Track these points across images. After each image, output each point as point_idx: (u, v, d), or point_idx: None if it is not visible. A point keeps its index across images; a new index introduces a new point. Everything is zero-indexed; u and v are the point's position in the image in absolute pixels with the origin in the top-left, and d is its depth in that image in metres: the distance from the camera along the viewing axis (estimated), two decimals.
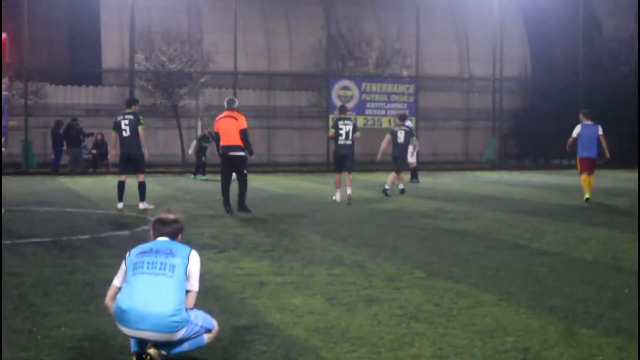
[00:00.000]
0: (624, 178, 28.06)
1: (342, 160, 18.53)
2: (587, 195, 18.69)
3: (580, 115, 19.72)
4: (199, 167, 27.91)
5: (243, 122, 15.77)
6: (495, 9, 36.63)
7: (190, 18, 36.19)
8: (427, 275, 9.28)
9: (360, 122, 32.61)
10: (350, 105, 34.05)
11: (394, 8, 37.58)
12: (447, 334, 6.76)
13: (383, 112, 34.96)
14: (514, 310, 7.62)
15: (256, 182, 25.83)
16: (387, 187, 20.45)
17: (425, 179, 26.64)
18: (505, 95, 37.73)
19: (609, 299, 8.09)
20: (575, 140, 19.35)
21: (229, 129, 15.79)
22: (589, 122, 19.35)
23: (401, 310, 7.60)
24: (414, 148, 23.39)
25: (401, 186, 21.18)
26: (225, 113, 16.04)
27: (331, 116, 34.12)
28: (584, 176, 19.08)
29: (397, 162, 21.02)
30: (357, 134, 18.65)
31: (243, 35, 35.30)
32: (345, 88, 34.70)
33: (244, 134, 15.71)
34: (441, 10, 38.42)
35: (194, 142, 28.82)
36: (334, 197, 18.64)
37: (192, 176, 28.02)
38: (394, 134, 21.16)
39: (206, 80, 34.38)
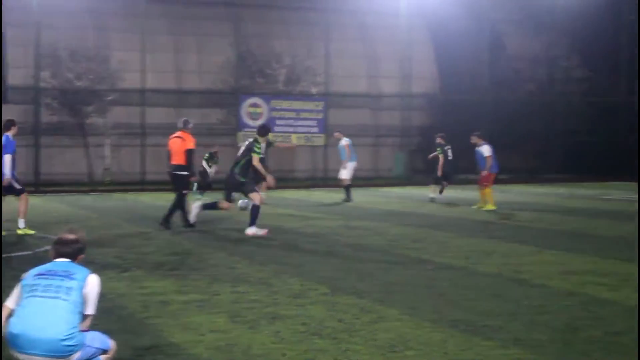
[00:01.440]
0: (527, 192, 28.67)
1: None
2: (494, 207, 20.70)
3: (476, 138, 21.90)
4: (206, 186, 28.00)
5: (189, 143, 16.28)
6: (403, 27, 37.13)
7: (98, 36, 35.66)
8: (331, 291, 9.30)
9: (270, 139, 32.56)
10: (259, 122, 34.02)
11: (304, 25, 37.74)
12: (349, 350, 6.78)
13: (292, 129, 35.05)
14: (416, 324, 7.69)
15: (163, 200, 25.58)
16: (432, 195, 23.97)
17: (335, 195, 26.73)
18: (414, 112, 38.22)
19: (508, 311, 8.24)
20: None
21: (177, 148, 16.36)
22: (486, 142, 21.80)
23: (304, 326, 7.59)
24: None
25: (432, 195, 24.22)
26: (176, 133, 16.59)
27: (240, 134, 34.09)
28: (490, 190, 21.03)
29: (447, 177, 24.29)
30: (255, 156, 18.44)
31: (151, 53, 34.96)
32: (254, 105, 34.68)
33: (188, 154, 16.23)
34: (350, 28, 38.74)
35: (204, 161, 28.78)
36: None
37: (200, 194, 28.07)
38: (445, 152, 24.17)
39: (114, 98, 33.91)
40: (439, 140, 24.57)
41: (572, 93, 39.82)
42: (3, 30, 32.32)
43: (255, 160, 15.50)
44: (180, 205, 16.59)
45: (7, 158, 15.04)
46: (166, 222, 16.29)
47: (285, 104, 35.19)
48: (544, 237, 14.94)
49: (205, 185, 27.51)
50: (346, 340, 7.06)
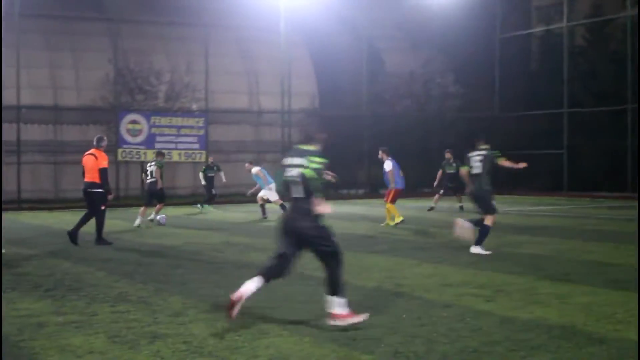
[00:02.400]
0: (407, 206, 29.10)
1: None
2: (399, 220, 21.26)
3: (381, 152, 21.86)
4: (210, 198, 28.91)
5: (102, 161, 16.61)
6: (283, 44, 37.34)
7: None
8: (212, 309, 9.26)
9: (150, 156, 32.18)
10: (139, 139, 33.70)
11: (183, 41, 37.48)
12: None
13: (173, 145, 34.73)
14: (297, 339, 7.72)
15: (40, 219, 25.02)
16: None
17: (216, 212, 26.63)
18: (294, 128, 38.42)
19: (388, 324, 8.37)
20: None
21: (90, 166, 16.67)
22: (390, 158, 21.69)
23: (185, 345, 7.53)
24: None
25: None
26: (90, 150, 16.93)
27: (120, 150, 33.58)
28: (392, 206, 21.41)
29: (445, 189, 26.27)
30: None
31: (27, 69, 34.10)
32: (134, 122, 34.22)
33: (101, 172, 16.53)
34: (230, 44, 38.72)
35: (200, 174, 29.65)
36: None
37: (199, 206, 28.69)
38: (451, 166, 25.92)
39: None
40: (447, 155, 25.24)
41: (447, 109, 40.81)
42: None
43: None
44: (100, 221, 16.74)
45: None
46: (100, 240, 16.68)
47: (165, 121, 34.84)
48: (424, 250, 15.25)
49: (211, 196, 28.00)
50: (227, 358, 7.05)
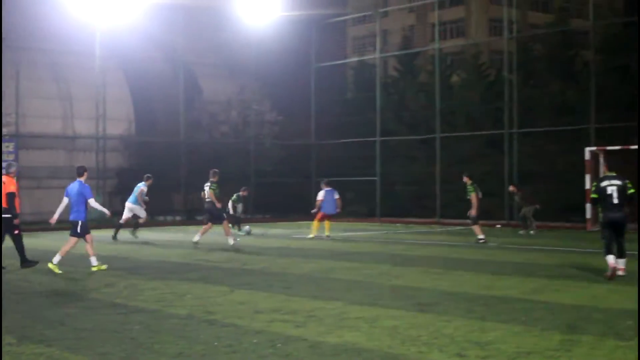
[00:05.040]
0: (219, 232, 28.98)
1: None
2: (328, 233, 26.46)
3: (323, 184, 27.17)
4: (237, 222, 29.70)
5: (10, 186, 16.69)
6: (98, 68, 36.62)
7: None
8: (18, 341, 8.95)
9: None
10: None
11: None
12: None
13: None
14: None
15: None
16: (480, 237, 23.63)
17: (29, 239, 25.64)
18: (110, 154, 37.72)
19: (199, 352, 8.36)
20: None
21: (2, 192, 16.70)
22: (329, 188, 26.65)
23: None
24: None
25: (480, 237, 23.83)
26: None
27: None
28: (317, 223, 26.65)
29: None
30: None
31: None
32: None
33: (8, 197, 16.61)
34: (42, 68, 37.62)
35: (230, 203, 29.82)
36: None
37: (240, 231, 29.28)
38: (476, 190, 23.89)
39: None
40: (465, 179, 24.49)
41: (264, 136, 41.22)
42: None
43: None
44: (19, 244, 17.03)
45: None
46: (26, 261, 17.00)
47: None
48: (236, 276, 15.29)
49: (236, 220, 28.98)
50: None
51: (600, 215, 15.52)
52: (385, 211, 38.96)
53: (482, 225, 24.56)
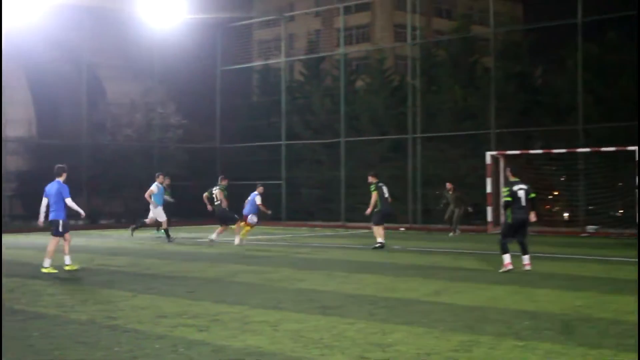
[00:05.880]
0: (127, 237, 28.65)
1: None
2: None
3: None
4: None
5: None
6: None
7: None
8: None
9: None
10: None
11: None
12: None
13: None
14: None
15: None
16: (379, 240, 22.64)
17: None
18: (10, 157, 36.85)
19: (99, 358, 8.26)
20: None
21: None
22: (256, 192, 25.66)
23: None
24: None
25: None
26: None
27: None
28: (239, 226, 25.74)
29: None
30: None
31: None
32: None
33: None
34: None
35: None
36: None
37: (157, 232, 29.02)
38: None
39: None
40: (370, 178, 23.66)
41: (168, 139, 40.86)
42: None
43: None
44: None
45: None
46: None
47: None
48: (139, 281, 15.13)
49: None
50: None
51: (510, 216, 16.38)
52: (291, 215, 39.08)
53: (387, 229, 24.68)
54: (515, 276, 15.39)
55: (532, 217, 16.50)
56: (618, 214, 31.04)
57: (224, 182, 26.29)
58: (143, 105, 40.87)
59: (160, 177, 27.56)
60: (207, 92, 42.42)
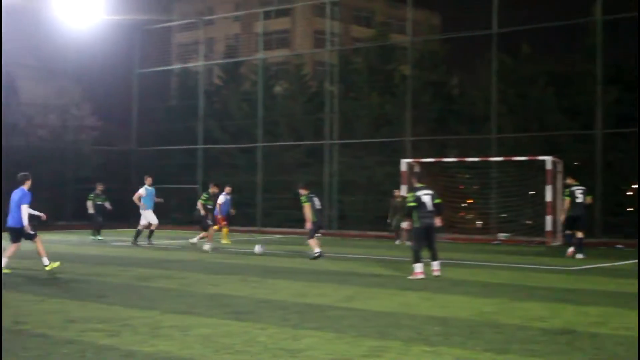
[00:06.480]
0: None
1: None
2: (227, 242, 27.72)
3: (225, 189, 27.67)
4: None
5: None
6: None
7: None
8: None
9: None
10: None
11: None
12: None
13: None
14: None
15: None
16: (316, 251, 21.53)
17: None
18: None
19: None
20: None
21: None
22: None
23: None
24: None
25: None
26: None
27: None
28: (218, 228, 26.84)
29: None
30: None
31: None
32: None
33: None
34: None
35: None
36: None
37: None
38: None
39: None
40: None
41: (83, 141, 40.28)
42: None
43: None
44: None
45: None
46: None
47: None
48: (48, 285, 14.88)
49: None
50: None
51: (417, 221, 16.45)
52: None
53: (302, 235, 24.69)
54: (427, 282, 15.60)
55: (438, 222, 16.72)
56: (529, 222, 31.68)
57: (214, 190, 26.75)
58: (57, 106, 40.22)
59: (149, 179, 27.34)
60: (124, 94, 41.96)
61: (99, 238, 28.99)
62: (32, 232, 17.43)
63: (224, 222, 28.50)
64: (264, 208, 37.56)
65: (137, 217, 27.68)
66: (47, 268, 17.23)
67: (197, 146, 40.14)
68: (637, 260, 21.86)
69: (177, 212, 39.30)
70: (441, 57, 36.99)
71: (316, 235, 21.60)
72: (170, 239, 30.15)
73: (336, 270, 18.36)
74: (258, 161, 38.08)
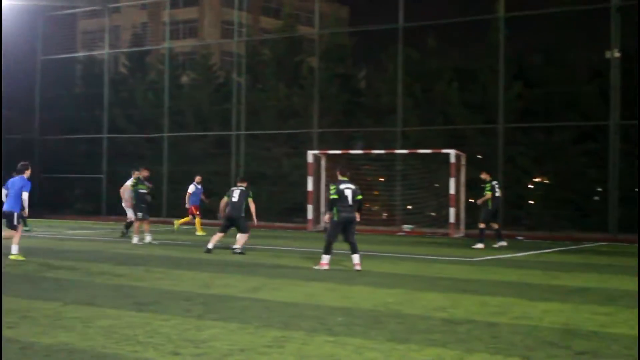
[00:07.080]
0: None
1: None
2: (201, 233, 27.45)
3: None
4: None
5: None
6: None
7: None
8: None
9: None
10: None
11: None
12: None
13: None
14: None
15: None
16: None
17: None
18: None
19: None
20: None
21: None
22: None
23: None
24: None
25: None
26: None
27: None
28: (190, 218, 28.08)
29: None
30: None
31: None
32: None
33: None
34: None
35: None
36: None
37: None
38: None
39: None
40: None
41: None
42: None
43: None
44: None
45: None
46: None
47: None
48: None
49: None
50: None
51: (336, 214, 16.46)
52: (112, 210, 38.36)
53: (209, 225, 24.60)
54: (332, 273, 15.75)
55: (357, 216, 16.83)
56: (433, 214, 32.23)
57: (139, 174, 24.02)
58: None
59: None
60: (27, 81, 41.08)
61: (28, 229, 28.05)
62: (16, 224, 17.91)
63: (197, 212, 28.36)
64: (169, 199, 37.25)
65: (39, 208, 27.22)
66: (11, 257, 17.64)
67: (103, 135, 39.57)
68: (536, 252, 22.49)
69: (80, 202, 38.69)
70: (348, 50, 37.25)
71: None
72: (72, 229, 29.66)
73: (242, 261, 18.37)
74: (164, 151, 37.75)
